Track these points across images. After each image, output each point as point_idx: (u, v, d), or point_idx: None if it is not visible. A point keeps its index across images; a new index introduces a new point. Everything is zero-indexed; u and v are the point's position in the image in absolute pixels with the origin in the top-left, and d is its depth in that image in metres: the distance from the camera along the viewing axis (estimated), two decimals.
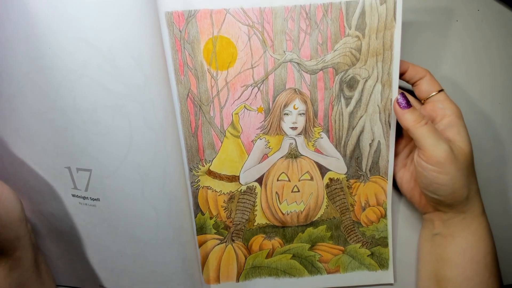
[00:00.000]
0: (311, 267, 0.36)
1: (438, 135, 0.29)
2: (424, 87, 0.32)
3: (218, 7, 0.29)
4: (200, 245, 0.34)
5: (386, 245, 0.35)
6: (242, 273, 0.35)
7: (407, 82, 0.33)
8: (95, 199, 0.29)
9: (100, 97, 0.26)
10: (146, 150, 0.28)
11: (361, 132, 0.33)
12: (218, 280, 0.35)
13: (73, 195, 0.29)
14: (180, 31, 0.29)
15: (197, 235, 0.34)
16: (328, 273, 0.36)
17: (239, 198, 0.34)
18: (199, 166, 0.32)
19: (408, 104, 0.30)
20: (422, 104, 0.33)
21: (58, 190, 0.29)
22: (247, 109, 0.32)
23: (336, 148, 0.33)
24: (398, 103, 0.30)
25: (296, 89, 0.32)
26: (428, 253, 0.33)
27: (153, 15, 0.27)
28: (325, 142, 0.33)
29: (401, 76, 0.33)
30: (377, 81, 0.32)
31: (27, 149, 0.28)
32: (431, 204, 0.32)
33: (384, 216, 0.35)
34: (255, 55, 0.30)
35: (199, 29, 0.29)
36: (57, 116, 0.26)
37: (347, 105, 0.32)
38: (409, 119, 0.29)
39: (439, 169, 0.29)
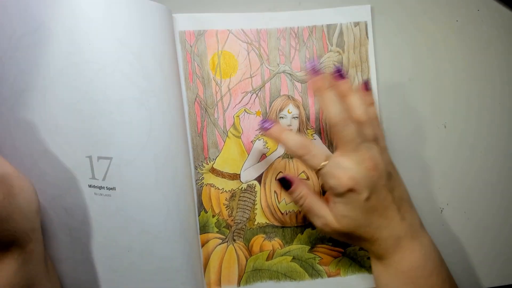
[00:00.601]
0: (312, 270, 0.36)
1: (311, 214, 0.31)
2: (311, 162, 0.30)
3: (223, 28, 0.35)
4: (203, 245, 0.35)
5: None
6: (243, 277, 0.36)
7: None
8: (111, 188, 0.31)
9: (128, 89, 0.30)
10: (162, 141, 0.32)
11: None
12: (219, 283, 0.35)
13: (90, 186, 0.31)
14: (191, 46, 0.35)
15: (200, 233, 0.35)
16: (329, 276, 0.36)
17: (240, 196, 0.36)
18: (204, 164, 0.36)
19: (288, 185, 0.31)
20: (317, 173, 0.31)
21: (75, 181, 0.31)
22: (247, 113, 0.36)
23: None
24: (279, 184, 0.32)
25: (290, 96, 0.37)
26: None
27: (170, 32, 0.34)
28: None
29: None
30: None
31: (51, 141, 0.30)
32: None
33: None
34: (253, 66, 0.36)
35: (206, 45, 0.35)
36: (86, 106, 0.30)
37: None
38: (292, 197, 0.32)
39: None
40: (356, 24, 0.37)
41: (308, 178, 0.36)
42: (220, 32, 0.36)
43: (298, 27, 0.36)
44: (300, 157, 0.30)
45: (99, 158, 0.31)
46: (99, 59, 0.30)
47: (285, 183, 0.31)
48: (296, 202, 0.31)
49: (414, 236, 0.30)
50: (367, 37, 0.37)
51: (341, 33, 0.37)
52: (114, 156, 0.31)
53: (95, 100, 0.30)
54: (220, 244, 0.36)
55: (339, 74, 0.31)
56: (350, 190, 0.28)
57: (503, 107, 0.37)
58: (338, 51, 0.37)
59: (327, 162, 0.29)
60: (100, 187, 0.31)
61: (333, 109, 0.29)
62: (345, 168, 0.28)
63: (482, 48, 0.37)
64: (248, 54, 0.36)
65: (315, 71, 0.30)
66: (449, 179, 0.37)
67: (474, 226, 0.36)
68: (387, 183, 0.29)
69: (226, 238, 0.36)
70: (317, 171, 0.30)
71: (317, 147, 0.30)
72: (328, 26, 0.37)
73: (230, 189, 0.36)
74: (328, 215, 0.30)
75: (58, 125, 0.30)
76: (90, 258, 0.32)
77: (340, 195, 0.29)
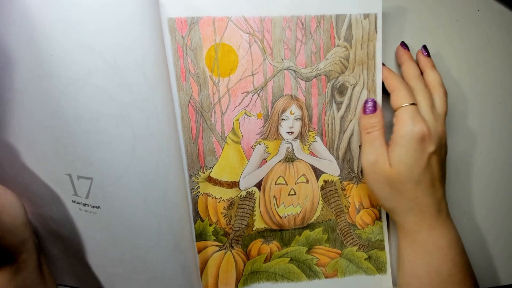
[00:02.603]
0: (309, 271, 0.36)
1: (370, 146, 0.31)
2: (391, 101, 0.32)
3: (221, 15, 0.30)
4: (199, 252, 0.34)
5: (383, 248, 0.36)
6: (241, 280, 0.35)
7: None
8: (96, 207, 0.28)
9: (104, 106, 0.25)
10: (149, 158, 0.28)
11: (351, 135, 0.35)
12: (216, 287, 0.35)
13: (74, 201, 0.28)
14: (182, 37, 0.29)
15: (196, 241, 0.33)
16: (326, 277, 0.36)
17: (238, 204, 0.34)
18: (199, 173, 0.32)
19: (372, 110, 0.32)
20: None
21: (59, 196, 0.28)
22: (248, 115, 0.32)
23: (330, 151, 0.35)
24: (363, 106, 0.33)
25: (293, 96, 0.33)
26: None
27: (155, 21, 0.27)
28: (319, 145, 0.35)
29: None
30: (363, 87, 0.34)
31: (28, 154, 0.27)
32: None
33: (379, 218, 0.36)
34: (255, 62, 0.31)
35: (201, 36, 0.30)
36: (58, 124, 0.25)
37: (338, 109, 0.35)
38: (361, 124, 0.33)
39: (364, 174, 0.32)
40: (366, 16, 0.33)
41: (307, 181, 0.35)
42: (218, 20, 0.30)
43: (305, 16, 0.32)
44: (392, 91, 0.31)
45: (79, 177, 0.27)
46: (66, 72, 0.24)
47: (371, 105, 0.32)
48: (367, 127, 0.31)
49: (448, 216, 0.32)
50: (376, 32, 0.33)
51: (349, 26, 0.33)
52: (95, 176, 0.27)
53: (66, 118, 0.25)
54: (217, 251, 0.34)
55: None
56: (422, 139, 0.29)
57: (503, 107, 0.37)
58: (345, 46, 0.33)
59: (409, 105, 0.30)
60: (85, 204, 0.28)
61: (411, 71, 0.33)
62: (425, 118, 0.30)
63: (482, 48, 0.37)
64: (250, 47, 0.31)
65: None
66: (449, 179, 0.37)
67: (474, 226, 0.37)
68: (444, 157, 0.32)
69: (224, 245, 0.34)
70: (397, 109, 0.31)
71: (409, 90, 0.31)
72: (337, 16, 0.32)
73: (228, 198, 0.33)
74: (383, 155, 0.30)
75: (32, 140, 0.26)
76: (84, 262, 0.31)
77: (409, 140, 0.29)
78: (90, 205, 0.28)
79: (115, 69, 0.25)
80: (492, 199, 0.38)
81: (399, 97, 0.31)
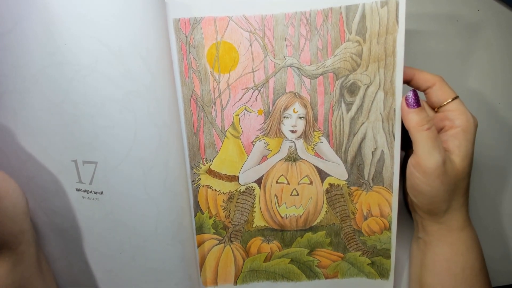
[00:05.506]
0: (309, 272, 0.35)
1: (435, 144, 0.28)
2: (435, 96, 0.31)
3: (222, 15, 0.31)
4: (199, 245, 0.35)
5: (389, 257, 0.34)
6: (240, 276, 0.36)
7: (417, 89, 0.32)
8: (99, 193, 0.30)
9: (109, 92, 0.28)
10: (149, 144, 0.30)
11: (363, 139, 0.33)
12: (215, 282, 0.36)
13: (77, 189, 0.30)
14: (186, 36, 0.31)
15: (196, 234, 0.35)
16: (326, 278, 0.35)
17: (238, 199, 0.34)
18: (200, 165, 0.34)
19: (417, 103, 0.29)
20: (435, 112, 0.32)
21: (63, 185, 0.30)
22: (248, 111, 0.33)
23: (337, 153, 0.33)
24: (406, 100, 0.30)
25: (296, 93, 0.32)
26: (415, 256, 0.33)
27: (162, 21, 0.30)
28: (325, 146, 0.33)
29: (408, 83, 0.32)
30: (379, 88, 0.32)
31: (35, 143, 0.29)
32: (412, 204, 0.32)
33: (388, 228, 0.34)
34: (256, 59, 0.32)
35: (203, 34, 0.31)
36: (68, 109, 0.28)
37: (348, 110, 0.33)
38: (412, 119, 0.29)
39: (423, 179, 0.28)
40: (384, 3, 0.30)
41: (311, 183, 0.34)
42: (219, 20, 0.31)
43: (310, 11, 0.31)
44: (431, 86, 0.31)
45: (84, 162, 0.30)
46: (77, 60, 0.27)
47: (414, 98, 0.29)
48: (423, 123, 0.28)
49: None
50: (397, 23, 0.30)
51: (363, 17, 0.31)
52: (99, 160, 0.30)
53: (76, 103, 0.28)
54: (216, 245, 0.35)
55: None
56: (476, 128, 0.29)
57: (503, 107, 0.37)
58: (357, 41, 0.31)
59: (451, 100, 0.30)
60: (88, 191, 0.31)
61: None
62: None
63: (482, 48, 0.37)
64: (250, 44, 0.32)
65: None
66: None
67: (473, 226, 0.33)
68: None
69: (223, 239, 0.35)
70: (443, 104, 0.30)
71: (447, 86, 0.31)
72: (347, 8, 0.31)
73: (228, 191, 0.34)
74: (445, 152, 0.28)
75: (41, 128, 0.29)
76: (84, 258, 0.33)
77: (474, 132, 0.29)
78: (94, 191, 0.30)
79: (119, 59, 0.28)
80: (491, 199, 0.37)
81: (445, 91, 0.30)
